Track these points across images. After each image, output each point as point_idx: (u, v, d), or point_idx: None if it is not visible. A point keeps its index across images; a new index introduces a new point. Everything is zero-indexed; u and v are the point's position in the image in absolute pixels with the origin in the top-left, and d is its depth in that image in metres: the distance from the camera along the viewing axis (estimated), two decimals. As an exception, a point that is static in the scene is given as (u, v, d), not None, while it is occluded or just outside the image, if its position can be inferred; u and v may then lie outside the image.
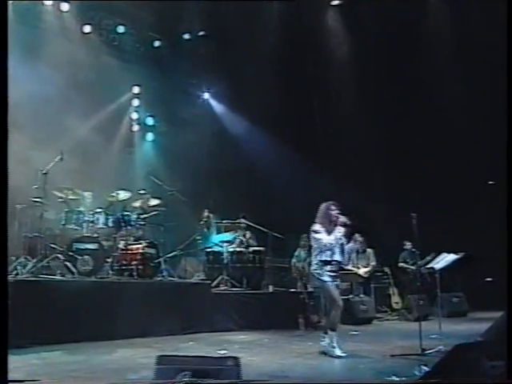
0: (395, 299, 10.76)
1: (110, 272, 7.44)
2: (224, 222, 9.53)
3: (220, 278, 9.06)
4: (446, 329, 6.82)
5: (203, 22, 12.40)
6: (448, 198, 11.71)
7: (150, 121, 13.02)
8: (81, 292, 6.71)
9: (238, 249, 9.41)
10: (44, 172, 7.04)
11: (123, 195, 8.01)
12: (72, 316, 6.49)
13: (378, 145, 12.37)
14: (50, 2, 10.56)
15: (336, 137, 12.84)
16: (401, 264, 10.73)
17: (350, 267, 9.96)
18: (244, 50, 12.40)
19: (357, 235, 10.07)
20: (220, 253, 9.36)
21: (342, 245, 6.12)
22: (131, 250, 7.83)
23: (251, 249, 9.39)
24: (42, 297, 6.40)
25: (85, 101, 10.84)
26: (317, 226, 6.10)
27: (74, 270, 7.06)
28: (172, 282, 8.10)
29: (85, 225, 7.53)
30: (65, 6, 10.72)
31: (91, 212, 7.64)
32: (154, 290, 7.63)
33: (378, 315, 10.54)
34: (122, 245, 7.77)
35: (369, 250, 10.51)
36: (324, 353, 6.15)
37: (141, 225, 8.13)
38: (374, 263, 10.43)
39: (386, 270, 11.01)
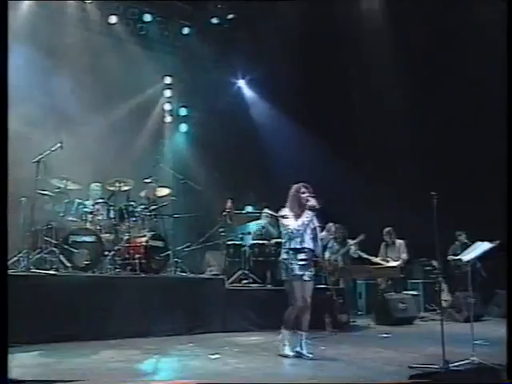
0: (444, 296, 9.55)
1: (109, 266, 6.98)
2: (244, 212, 8.79)
3: (240, 272, 8.39)
4: (498, 333, 5.87)
5: (231, 5, 11.78)
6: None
7: (183, 111, 12.59)
8: (72, 287, 6.29)
9: (260, 241, 8.67)
10: (36, 161, 6.65)
11: (125, 184, 7.51)
12: (59, 313, 6.07)
13: (413, 140, 11.00)
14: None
15: (372, 130, 11.65)
16: (450, 257, 9.49)
17: (378, 260, 8.95)
18: (275, 34, 11.56)
19: (330, 224, 9.18)
20: (241, 246, 8.67)
21: (314, 231, 5.51)
22: (134, 242, 7.35)
23: (274, 241, 8.61)
24: (30, 292, 6.05)
25: (112, 93, 10.62)
26: (284, 211, 5.56)
27: (67, 264, 6.66)
28: (180, 277, 7.53)
29: (84, 216, 7.13)
30: (88, -2, 10.48)
31: (92, 203, 7.23)
32: (158, 285, 7.08)
33: (425, 314, 9.42)
34: (124, 237, 7.28)
35: (399, 241, 9.46)
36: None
37: (146, 216, 7.62)
38: (405, 256, 9.34)
39: (435, 263, 9.81)
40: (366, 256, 9.23)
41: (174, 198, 8.06)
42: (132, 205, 7.46)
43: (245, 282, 8.25)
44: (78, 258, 6.75)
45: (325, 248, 9.45)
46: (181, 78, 12.45)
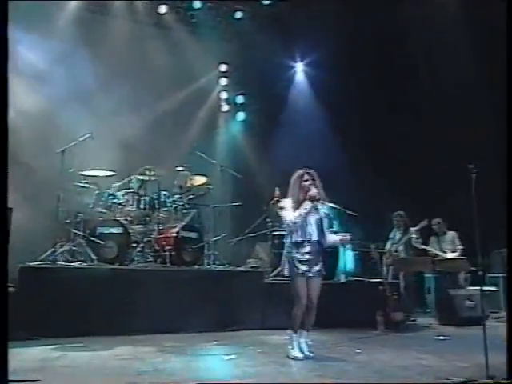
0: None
1: (136, 258, 6.70)
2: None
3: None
4: None
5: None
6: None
7: (239, 99, 12.17)
8: (97, 281, 6.13)
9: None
10: (61, 150, 6.55)
11: (155, 173, 7.19)
12: (83, 307, 5.91)
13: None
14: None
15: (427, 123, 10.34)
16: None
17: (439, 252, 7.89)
18: (331, 13, 10.71)
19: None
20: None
21: (319, 221, 4.99)
22: (164, 234, 7.02)
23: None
24: (54, 285, 5.94)
25: (163, 84, 10.46)
26: (284, 201, 5.08)
27: (93, 256, 6.47)
28: (213, 270, 7.08)
29: (114, 208, 6.92)
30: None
31: (122, 193, 7.00)
32: (189, 279, 6.68)
33: (503, 314, 8.17)
34: (155, 229, 6.98)
35: (451, 232, 8.36)
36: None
37: (179, 206, 7.25)
38: (460, 247, 8.19)
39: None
40: (423, 247, 8.19)
41: (209, 186, 7.61)
42: (164, 194, 7.13)
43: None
44: (105, 250, 6.54)
45: (387, 238, 8.60)
46: (237, 64, 12.03)
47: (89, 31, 9.75)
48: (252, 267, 7.65)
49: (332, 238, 5.16)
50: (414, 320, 7.68)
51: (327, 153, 10.92)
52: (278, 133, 11.22)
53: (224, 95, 12.12)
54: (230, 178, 8.33)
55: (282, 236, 7.93)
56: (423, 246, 8.17)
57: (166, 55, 10.64)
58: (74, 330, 5.76)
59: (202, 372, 4.44)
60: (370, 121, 10.51)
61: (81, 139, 6.82)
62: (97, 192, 6.94)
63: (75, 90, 9.14)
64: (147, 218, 6.99)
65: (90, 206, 6.89)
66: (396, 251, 8.24)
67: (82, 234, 6.57)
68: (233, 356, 5.05)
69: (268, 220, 8.31)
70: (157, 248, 6.91)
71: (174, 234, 6.91)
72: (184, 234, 6.97)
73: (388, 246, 8.42)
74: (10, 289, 5.90)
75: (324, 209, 5.08)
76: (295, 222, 4.91)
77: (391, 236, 8.57)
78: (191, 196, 7.48)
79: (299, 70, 12.26)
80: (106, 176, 7.26)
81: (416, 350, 5.47)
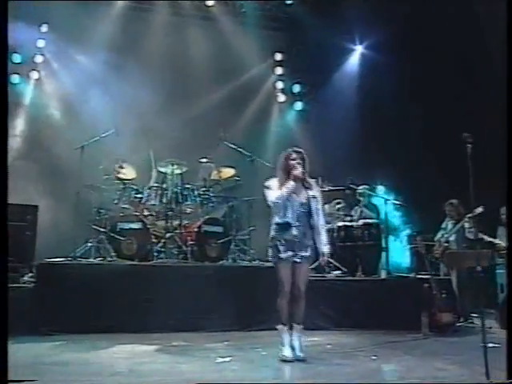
0: None
1: (156, 254, 6.54)
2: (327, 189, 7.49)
3: (321, 259, 7.20)
4: None
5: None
6: None
7: (296, 88, 11.62)
8: (115, 277, 6.06)
9: (347, 223, 7.35)
10: (80, 147, 6.59)
11: (179, 166, 6.97)
12: (97, 304, 5.86)
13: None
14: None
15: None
16: None
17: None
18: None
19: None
20: (331, 230, 7.46)
21: (307, 203, 4.61)
22: (186, 228, 6.79)
23: (361, 222, 7.22)
24: (70, 282, 5.94)
25: (215, 76, 10.29)
26: (270, 181, 4.74)
27: (113, 252, 6.42)
28: (239, 266, 6.71)
29: (136, 203, 6.83)
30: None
31: (146, 188, 6.89)
32: (211, 275, 6.37)
33: None
34: (176, 223, 6.77)
35: None
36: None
37: (204, 199, 6.98)
38: None
39: None
40: (486, 238, 7.07)
41: (237, 178, 7.25)
42: (187, 188, 6.89)
43: (327, 272, 7.04)
44: (125, 246, 6.46)
45: (439, 229, 7.65)
46: (292, 52, 11.53)
47: (135, 28, 9.83)
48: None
49: (321, 222, 4.72)
50: (470, 322, 6.71)
51: (383, 141, 10.16)
52: (336, 121, 10.56)
53: (280, 85, 11.63)
54: (267, 170, 7.89)
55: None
56: (483, 236, 7.06)
57: (215, 48, 10.46)
58: (87, 327, 5.73)
59: (176, 375, 4.12)
60: (431, 108, 9.50)
61: (103, 135, 6.77)
62: (122, 187, 6.87)
63: (123, 85, 9.21)
64: (170, 213, 6.78)
65: (115, 202, 6.84)
66: (447, 242, 7.26)
67: (102, 230, 6.52)
68: (227, 359, 4.67)
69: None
70: (180, 243, 6.68)
71: (196, 229, 6.66)
72: (207, 228, 6.69)
73: (438, 237, 7.44)
74: (30, 285, 6.08)
75: (314, 191, 4.71)
76: (276, 203, 4.59)
77: (443, 226, 7.60)
78: (220, 189, 7.13)
79: (358, 53, 11.38)
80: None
81: (445, 359, 4.71)
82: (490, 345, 5.29)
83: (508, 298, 3.62)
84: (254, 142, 10.09)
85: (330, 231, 7.44)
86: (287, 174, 4.60)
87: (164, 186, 6.85)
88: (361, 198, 7.72)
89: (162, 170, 6.93)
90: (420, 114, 9.84)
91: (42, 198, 7.80)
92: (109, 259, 6.40)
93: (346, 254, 7.22)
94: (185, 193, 6.84)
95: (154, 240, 6.59)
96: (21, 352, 4.76)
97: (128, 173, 6.99)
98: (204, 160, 7.36)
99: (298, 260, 4.60)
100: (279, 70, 11.61)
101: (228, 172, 7.27)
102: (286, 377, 4.16)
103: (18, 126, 9.14)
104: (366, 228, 7.16)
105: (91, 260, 6.41)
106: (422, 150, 9.51)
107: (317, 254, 4.73)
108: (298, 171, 4.55)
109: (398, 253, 8.07)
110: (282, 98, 11.62)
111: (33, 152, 8.90)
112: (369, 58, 11.28)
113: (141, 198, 6.77)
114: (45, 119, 9.07)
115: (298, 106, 11.60)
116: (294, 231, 4.56)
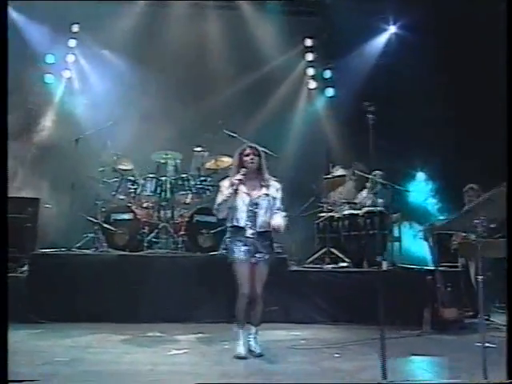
0: None
1: (146, 245, 6.50)
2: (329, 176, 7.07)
3: (324, 250, 6.86)
4: None
5: None
6: None
7: (327, 74, 11.14)
8: (104, 267, 6.12)
9: (352, 211, 6.91)
10: (75, 139, 6.73)
11: (173, 156, 6.87)
12: (83, 294, 5.93)
13: None
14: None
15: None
16: None
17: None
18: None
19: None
20: (333, 218, 7.08)
21: (262, 201, 4.36)
22: (178, 218, 6.69)
23: (365, 209, 6.75)
24: (61, 272, 6.07)
25: (242, 63, 10.09)
26: (223, 181, 4.55)
27: (104, 243, 6.49)
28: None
29: (133, 193, 6.83)
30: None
31: (141, 178, 6.87)
32: (201, 265, 6.24)
33: None
34: (169, 213, 6.69)
35: None
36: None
37: (200, 189, 6.84)
38: None
39: None
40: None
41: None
42: (182, 178, 6.79)
43: (328, 263, 6.68)
44: (117, 237, 6.49)
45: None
46: (323, 37, 11.06)
47: (158, 22, 9.86)
48: (277, 252, 6.80)
49: (277, 220, 4.36)
50: (486, 317, 6.01)
51: (421, 127, 9.47)
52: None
53: (310, 71, 11.20)
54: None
55: (329, 217, 7.10)
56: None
57: (240, 37, 10.24)
58: (73, 316, 5.81)
59: (112, 365, 4.06)
60: (466, 90, 8.72)
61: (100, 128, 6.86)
62: (119, 178, 6.91)
63: (148, 75, 9.29)
64: (164, 203, 6.72)
65: (112, 194, 6.90)
66: (465, 232, 6.56)
67: (95, 221, 6.60)
68: (181, 351, 4.53)
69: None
70: (172, 233, 6.61)
71: (188, 219, 6.54)
72: (199, 217, 6.54)
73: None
74: (22, 274, 6.28)
75: (270, 189, 4.44)
76: (220, 204, 4.40)
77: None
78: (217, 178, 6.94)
79: (390, 33, 10.66)
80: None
81: (430, 360, 4.27)
82: (487, 345, 4.79)
83: (508, 298, 3.43)
84: (281, 130, 9.89)
85: (336, 220, 7.08)
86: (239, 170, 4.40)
87: (159, 176, 6.77)
88: (368, 184, 7.21)
89: (158, 159, 6.87)
90: (458, 98, 9.08)
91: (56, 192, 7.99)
92: (101, 250, 6.44)
93: (350, 245, 6.78)
94: (180, 183, 6.73)
95: (146, 230, 6.54)
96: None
97: (125, 164, 6.99)
98: (198, 149, 7.20)
99: (254, 261, 4.35)
100: (310, 56, 11.18)
101: (226, 161, 7.06)
102: (226, 373, 3.91)
103: (48, 124, 9.41)
104: (369, 216, 6.66)
105: (83, 251, 6.50)
106: (457, 134, 8.80)
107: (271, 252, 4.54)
108: (246, 168, 4.34)
109: (416, 243, 7.43)
110: (312, 84, 11.20)
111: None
112: (402, 39, 10.56)
113: (135, 188, 6.75)
114: (73, 116, 9.30)
115: (330, 92, 11.12)
116: (248, 232, 4.33)
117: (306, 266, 6.74)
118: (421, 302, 5.80)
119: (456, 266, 6.52)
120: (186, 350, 4.61)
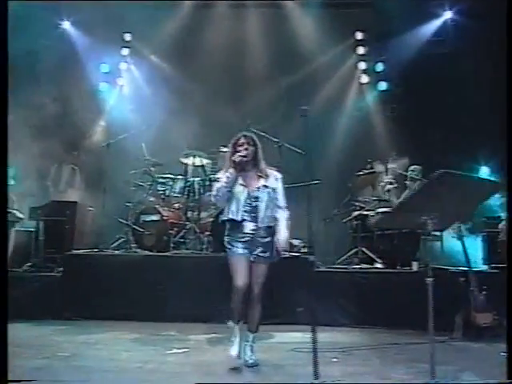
0: None
1: (172, 246, 6.57)
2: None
3: (355, 250, 6.55)
4: None
5: None
6: None
7: (379, 67, 10.66)
8: (132, 267, 6.29)
9: (384, 209, 6.54)
10: (105, 144, 6.99)
11: (200, 157, 6.88)
12: (112, 292, 6.12)
13: None
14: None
15: None
16: None
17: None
18: None
19: None
20: (369, 217, 6.75)
21: (260, 194, 4.07)
22: (206, 219, 6.69)
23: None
24: (91, 271, 6.33)
25: (289, 60, 9.99)
26: (219, 173, 4.31)
27: (133, 244, 6.66)
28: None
29: (161, 195, 6.94)
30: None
31: (171, 180, 6.96)
32: (227, 266, 6.19)
33: None
34: (195, 214, 6.71)
35: None
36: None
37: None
38: None
39: None
40: None
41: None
42: (210, 178, 6.78)
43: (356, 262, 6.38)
44: (145, 238, 6.64)
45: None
46: (374, 29, 10.62)
47: (202, 21, 10.00)
48: (301, 253, 6.58)
49: (280, 214, 4.16)
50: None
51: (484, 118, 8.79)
52: (425, 98, 9.47)
53: (362, 65, 10.79)
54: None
55: (362, 215, 6.79)
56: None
57: (287, 34, 10.12)
58: (101, 313, 6.02)
59: (108, 362, 4.14)
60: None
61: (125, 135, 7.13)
62: (151, 181, 7.07)
63: (191, 77, 9.46)
64: (192, 204, 6.77)
65: (144, 196, 7.08)
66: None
67: (125, 223, 6.80)
68: (180, 351, 4.52)
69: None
70: (198, 234, 6.63)
71: (213, 219, 6.52)
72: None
73: (503, 223, 6.16)
74: (59, 274, 6.59)
75: (269, 180, 4.15)
76: (215, 196, 4.16)
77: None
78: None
79: (446, 19, 9.97)
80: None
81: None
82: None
83: (508, 298, 3.41)
84: (328, 127, 9.62)
85: (370, 219, 6.74)
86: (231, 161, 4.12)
87: (187, 177, 6.84)
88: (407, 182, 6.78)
89: (185, 161, 6.94)
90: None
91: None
92: (131, 250, 6.63)
93: (383, 244, 6.42)
94: (207, 183, 6.75)
95: (173, 231, 6.63)
96: (27, 332, 5.23)
97: (156, 166, 7.16)
98: (224, 150, 7.14)
99: (252, 259, 4.07)
100: (361, 50, 10.77)
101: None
102: (213, 373, 3.84)
103: (101, 131, 9.82)
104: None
105: (114, 251, 6.72)
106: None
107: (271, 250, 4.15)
108: (237, 156, 4.03)
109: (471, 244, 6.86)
110: (364, 78, 10.77)
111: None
112: (459, 25, 9.84)
113: (165, 190, 6.87)
114: (119, 121, 9.65)
115: (382, 85, 10.63)
116: (247, 228, 4.03)
117: (334, 266, 6.46)
118: (452, 306, 5.34)
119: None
120: (186, 350, 4.58)
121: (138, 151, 7.36)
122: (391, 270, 6.10)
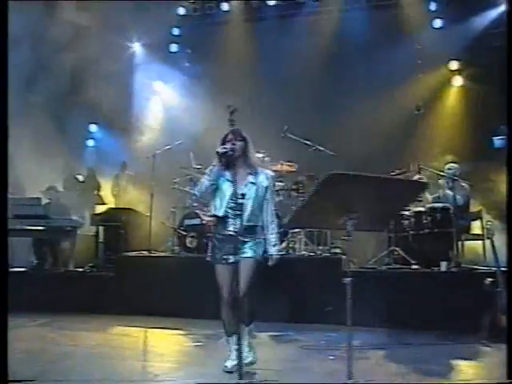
0: None
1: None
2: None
3: (389, 250, 6.49)
4: None
5: None
6: None
7: (453, 64, 10.04)
8: (174, 268, 6.80)
9: (420, 208, 6.42)
10: (151, 155, 7.59)
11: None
12: (154, 291, 6.69)
13: None
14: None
15: None
16: None
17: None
18: None
19: None
20: (406, 217, 6.65)
21: (247, 191, 3.90)
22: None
23: (428, 206, 6.23)
24: (140, 272, 6.96)
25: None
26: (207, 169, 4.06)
27: (176, 246, 7.19)
28: (290, 258, 6.56)
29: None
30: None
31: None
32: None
33: None
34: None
35: None
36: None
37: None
38: None
39: None
40: None
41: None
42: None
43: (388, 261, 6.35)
44: (188, 241, 7.12)
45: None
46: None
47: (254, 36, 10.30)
48: (335, 253, 6.61)
49: (269, 216, 4.03)
50: None
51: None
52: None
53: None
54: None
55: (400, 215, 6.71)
56: None
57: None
58: (142, 309, 6.58)
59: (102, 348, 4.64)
60: None
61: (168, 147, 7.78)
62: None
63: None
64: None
65: (189, 201, 7.57)
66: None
67: (171, 227, 7.34)
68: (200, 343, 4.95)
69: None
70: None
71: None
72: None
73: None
74: (110, 273, 7.24)
75: (259, 177, 3.99)
76: (200, 192, 4.03)
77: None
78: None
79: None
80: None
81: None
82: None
83: (508, 299, 3.66)
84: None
85: (406, 219, 6.64)
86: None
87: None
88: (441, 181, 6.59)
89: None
90: None
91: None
92: (176, 253, 7.19)
93: (417, 244, 6.30)
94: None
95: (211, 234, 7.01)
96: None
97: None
98: (260, 155, 7.34)
99: (235, 260, 3.67)
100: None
101: (289, 167, 7.19)
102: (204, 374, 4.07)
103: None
104: (431, 213, 6.09)
105: (160, 253, 7.36)
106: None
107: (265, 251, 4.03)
108: (221, 149, 3.82)
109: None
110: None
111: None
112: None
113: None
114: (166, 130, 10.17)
115: (458, 81, 10.04)
116: (230, 226, 3.80)
117: (365, 266, 6.44)
118: (478, 307, 5.14)
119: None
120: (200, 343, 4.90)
121: (186, 159, 7.86)
122: (419, 270, 5.97)
